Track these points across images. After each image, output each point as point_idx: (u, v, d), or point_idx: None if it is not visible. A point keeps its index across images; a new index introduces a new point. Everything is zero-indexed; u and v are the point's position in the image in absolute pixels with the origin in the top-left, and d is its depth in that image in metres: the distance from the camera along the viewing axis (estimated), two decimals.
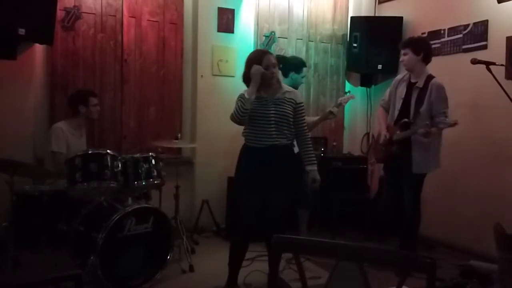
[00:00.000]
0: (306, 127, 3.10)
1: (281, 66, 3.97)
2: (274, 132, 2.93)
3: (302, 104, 3.06)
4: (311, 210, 4.04)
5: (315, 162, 3.09)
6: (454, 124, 3.21)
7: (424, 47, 3.53)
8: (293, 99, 3.00)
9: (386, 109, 3.75)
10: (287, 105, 2.97)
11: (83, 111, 3.64)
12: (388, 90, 3.76)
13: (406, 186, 3.56)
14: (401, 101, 3.54)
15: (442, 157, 3.60)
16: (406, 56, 3.49)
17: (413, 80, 3.53)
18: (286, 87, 3.08)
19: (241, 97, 2.89)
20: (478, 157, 4.04)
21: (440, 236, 3.94)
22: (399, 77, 3.72)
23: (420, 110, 3.41)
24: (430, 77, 3.47)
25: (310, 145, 3.09)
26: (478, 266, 3.37)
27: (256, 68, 2.85)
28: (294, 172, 3.08)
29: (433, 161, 3.52)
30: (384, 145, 3.58)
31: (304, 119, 3.08)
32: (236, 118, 2.90)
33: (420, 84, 3.46)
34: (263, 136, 2.92)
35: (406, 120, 3.47)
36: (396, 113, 3.57)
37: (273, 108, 2.94)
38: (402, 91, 3.56)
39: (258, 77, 2.84)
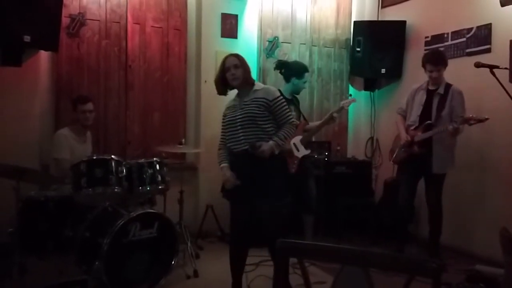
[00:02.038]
0: (290, 118, 2.91)
1: (282, 71, 3.98)
2: (242, 137, 2.84)
3: (278, 99, 2.87)
4: (315, 215, 4.02)
5: (277, 140, 2.83)
6: (484, 120, 3.31)
7: (447, 61, 3.76)
8: (264, 98, 2.84)
9: (404, 116, 3.97)
10: (254, 106, 2.83)
11: (76, 118, 3.64)
12: (405, 99, 3.98)
13: (429, 187, 3.81)
14: (421, 107, 3.76)
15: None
16: (440, 73, 3.69)
17: (431, 88, 3.76)
18: (257, 85, 2.94)
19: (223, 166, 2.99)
20: (482, 160, 4.02)
21: (445, 240, 3.92)
22: (415, 86, 3.92)
23: (442, 114, 3.64)
24: (449, 84, 3.71)
25: (287, 128, 2.88)
26: (484, 271, 3.35)
27: (229, 181, 2.91)
28: (277, 174, 2.88)
29: (450, 161, 3.73)
30: (405, 146, 3.77)
31: (285, 111, 2.89)
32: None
33: (441, 90, 3.69)
34: (232, 142, 2.90)
35: (429, 122, 3.66)
36: (416, 118, 3.77)
37: (239, 112, 2.87)
38: (421, 98, 3.79)
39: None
